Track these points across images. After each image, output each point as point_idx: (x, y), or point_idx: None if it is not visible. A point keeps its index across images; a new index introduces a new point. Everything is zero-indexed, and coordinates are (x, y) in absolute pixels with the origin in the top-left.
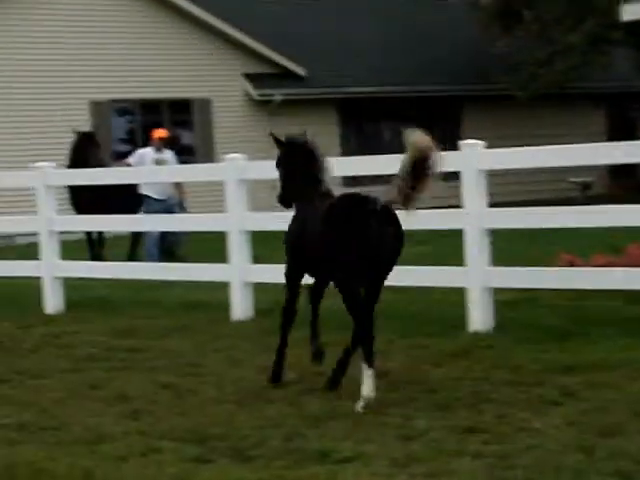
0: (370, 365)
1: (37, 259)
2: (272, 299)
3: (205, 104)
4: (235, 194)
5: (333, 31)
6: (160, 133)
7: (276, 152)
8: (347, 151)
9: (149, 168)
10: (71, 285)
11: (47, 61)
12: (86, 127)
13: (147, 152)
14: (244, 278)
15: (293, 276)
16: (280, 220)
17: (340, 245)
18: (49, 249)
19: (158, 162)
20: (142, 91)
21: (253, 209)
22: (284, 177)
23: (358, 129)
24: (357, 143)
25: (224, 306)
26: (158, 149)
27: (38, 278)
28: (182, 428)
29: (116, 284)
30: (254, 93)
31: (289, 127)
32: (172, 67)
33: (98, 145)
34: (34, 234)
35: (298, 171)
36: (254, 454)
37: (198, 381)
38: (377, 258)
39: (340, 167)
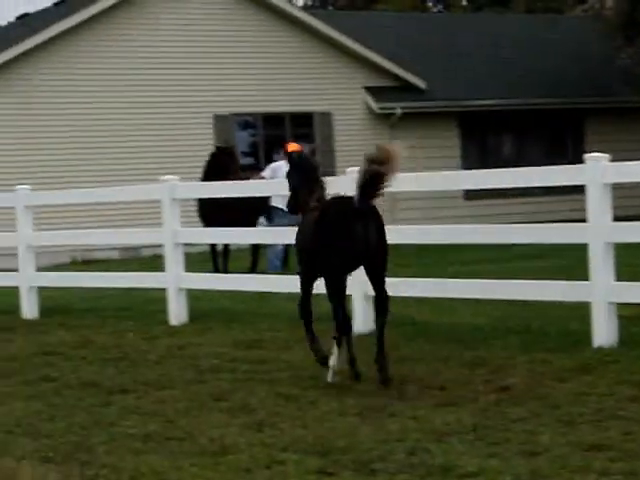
0: (338, 345)
1: (162, 271)
2: (396, 312)
3: (326, 117)
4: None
5: (452, 44)
6: (293, 147)
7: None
8: (468, 164)
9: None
10: (194, 296)
11: (171, 75)
12: (210, 140)
13: (280, 165)
14: (365, 290)
15: (304, 279)
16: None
17: (329, 240)
18: (174, 261)
19: None
20: (264, 105)
21: None
22: (290, 189)
23: (479, 142)
24: (478, 156)
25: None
26: None
27: (163, 290)
28: (305, 440)
29: (238, 296)
30: (375, 106)
31: (410, 139)
32: (294, 80)
33: (236, 160)
34: (159, 246)
35: (300, 184)
36: (378, 467)
37: (320, 393)
38: (364, 249)
39: (462, 180)
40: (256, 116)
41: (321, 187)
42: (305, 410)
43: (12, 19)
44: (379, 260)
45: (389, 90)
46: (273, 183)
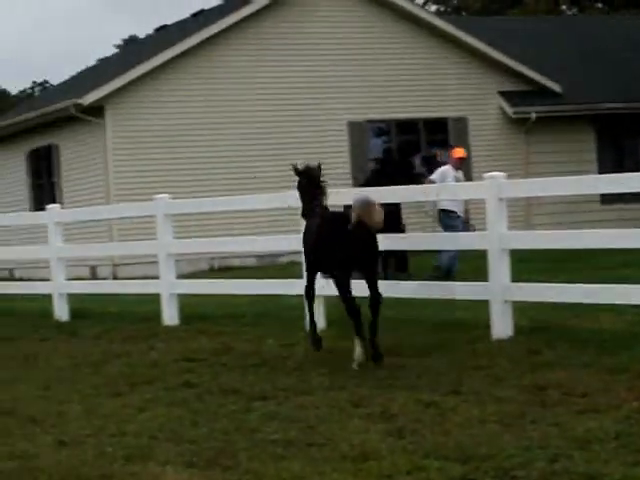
0: (358, 334)
1: (299, 277)
2: (533, 318)
3: (461, 123)
4: (496, 212)
5: (587, 46)
6: (459, 153)
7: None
8: (604, 168)
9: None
10: (331, 303)
11: (306, 82)
12: (344, 147)
13: (448, 170)
14: (504, 296)
15: (308, 270)
16: (540, 237)
17: (328, 247)
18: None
19: (457, 180)
20: (398, 111)
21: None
22: (301, 198)
23: (615, 145)
24: (614, 159)
25: (483, 324)
26: (457, 168)
27: (300, 296)
28: (446, 447)
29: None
30: (510, 111)
31: (545, 144)
32: (428, 86)
33: (412, 165)
34: (296, 253)
35: (306, 193)
36: (519, 475)
37: (460, 400)
38: (355, 255)
39: (599, 184)
40: (390, 122)
41: (323, 195)
42: (446, 417)
43: (150, 31)
44: (369, 266)
45: (524, 94)
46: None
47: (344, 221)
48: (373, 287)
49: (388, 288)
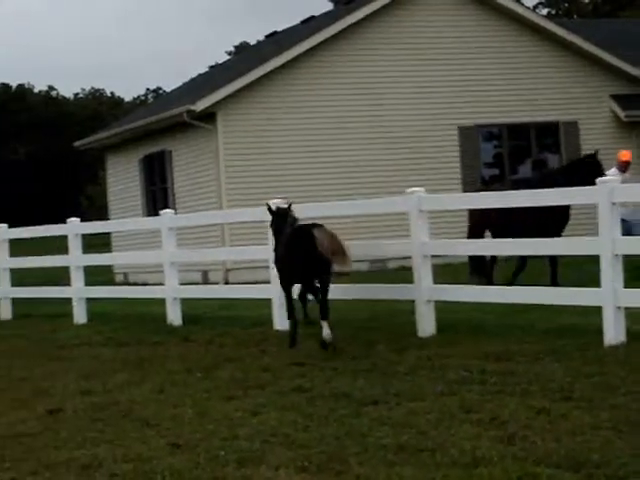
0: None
1: (410, 282)
2: None
3: (572, 127)
4: (607, 217)
5: None
6: (625, 156)
7: None
8: None
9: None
10: (440, 309)
11: (416, 87)
12: (455, 152)
13: (614, 173)
14: (616, 302)
15: (283, 284)
16: None
17: (286, 258)
18: (423, 273)
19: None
20: (509, 115)
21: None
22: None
23: None
24: None
25: (595, 330)
26: (622, 170)
27: (410, 301)
28: (558, 454)
29: (486, 307)
30: (621, 114)
31: None
32: (539, 90)
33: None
34: (406, 258)
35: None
36: None
37: (571, 406)
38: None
39: None
40: (501, 127)
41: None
42: (557, 423)
43: (261, 37)
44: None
45: (636, 98)
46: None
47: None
48: (324, 289)
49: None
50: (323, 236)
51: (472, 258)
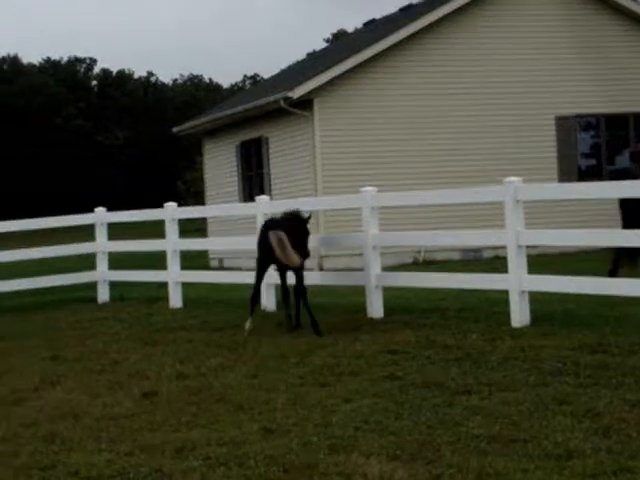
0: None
1: (503, 272)
2: None
3: None
4: None
5: None
6: None
7: None
8: None
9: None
10: (536, 299)
11: (515, 77)
12: (552, 142)
13: None
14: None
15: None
16: None
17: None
18: (517, 263)
19: None
20: (607, 105)
21: None
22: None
23: None
24: None
25: None
26: None
27: (504, 291)
28: None
29: (582, 299)
30: None
31: None
32: (638, 80)
33: None
34: (500, 248)
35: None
36: None
37: None
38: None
39: None
40: (598, 117)
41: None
42: None
43: (359, 25)
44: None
45: None
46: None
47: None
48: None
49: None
50: (274, 236)
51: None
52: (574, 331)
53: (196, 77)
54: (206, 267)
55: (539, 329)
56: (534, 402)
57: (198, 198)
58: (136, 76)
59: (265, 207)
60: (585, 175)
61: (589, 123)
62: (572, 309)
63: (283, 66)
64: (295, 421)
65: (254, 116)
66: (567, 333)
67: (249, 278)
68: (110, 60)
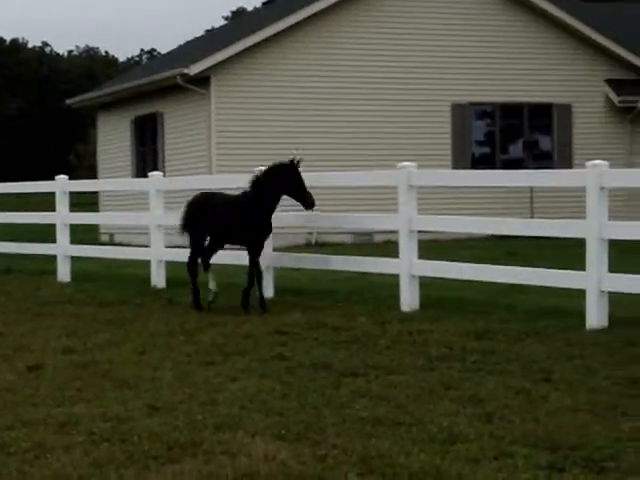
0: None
1: (394, 257)
2: (628, 309)
3: (565, 109)
4: (595, 201)
5: None
6: None
7: None
8: None
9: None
10: (426, 284)
11: (411, 62)
12: (447, 129)
13: None
14: (601, 286)
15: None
16: (637, 228)
17: None
18: (408, 248)
19: None
20: (503, 94)
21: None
22: None
23: None
24: None
25: (578, 313)
26: None
27: (395, 275)
28: (535, 434)
29: (472, 285)
30: (615, 99)
31: None
32: (534, 71)
33: None
34: (393, 232)
35: None
36: (608, 466)
37: (551, 388)
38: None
39: None
40: (494, 106)
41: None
42: (536, 404)
43: (259, 4)
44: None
45: (631, 83)
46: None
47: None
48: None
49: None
50: None
51: None
52: (463, 317)
53: (92, 49)
54: (96, 242)
55: (428, 314)
56: (420, 386)
57: (90, 172)
58: (30, 46)
59: (158, 183)
60: (478, 163)
61: (484, 111)
62: (461, 296)
63: (181, 42)
64: (181, 399)
65: (150, 91)
66: (456, 319)
67: (140, 254)
68: (3, 28)
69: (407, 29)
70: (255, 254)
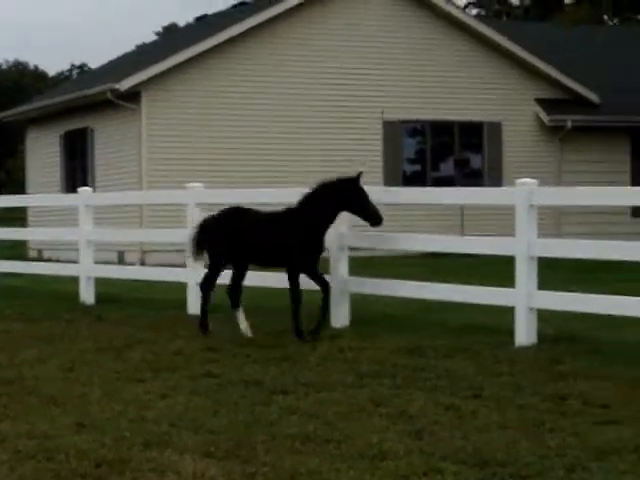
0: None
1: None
2: (557, 326)
3: (495, 128)
4: (525, 219)
5: (628, 58)
6: None
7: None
8: (637, 180)
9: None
10: (357, 300)
11: (342, 80)
12: (378, 146)
13: None
14: (529, 304)
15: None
16: (569, 246)
17: None
18: (340, 264)
19: None
20: (433, 112)
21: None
22: None
23: None
24: None
25: (508, 331)
26: None
27: (313, 291)
28: (464, 450)
29: (402, 302)
30: (545, 118)
31: (579, 153)
32: (465, 89)
33: None
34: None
35: None
36: None
37: (480, 404)
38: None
39: (628, 196)
40: (424, 123)
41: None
42: (465, 420)
43: (191, 20)
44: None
45: (561, 103)
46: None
47: None
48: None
49: None
50: None
51: None
52: (393, 334)
53: (21, 64)
54: (25, 257)
55: (358, 331)
56: (350, 403)
57: (19, 187)
58: None
59: (88, 199)
60: (410, 180)
61: (415, 129)
62: (391, 312)
63: (112, 57)
64: (109, 416)
65: (80, 106)
66: (386, 336)
67: (69, 270)
68: None
69: (336, 47)
70: (295, 274)
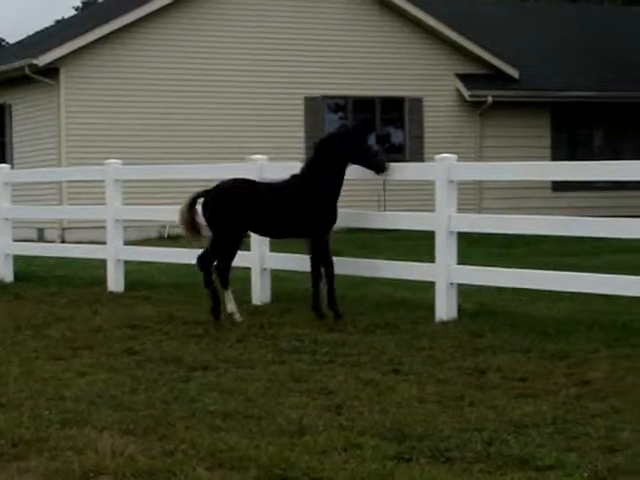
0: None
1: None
2: (477, 301)
3: (417, 103)
4: (444, 194)
5: (546, 34)
6: None
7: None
8: (558, 156)
9: None
10: (277, 277)
11: (263, 55)
12: (300, 122)
13: None
14: (449, 279)
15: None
16: (488, 221)
17: None
18: (260, 241)
19: None
20: (355, 88)
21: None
22: None
23: (570, 134)
24: (568, 148)
25: (428, 306)
26: None
27: (247, 269)
28: (383, 425)
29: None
30: (466, 93)
31: (499, 128)
32: (386, 65)
33: None
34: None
35: None
36: (454, 456)
37: (399, 379)
38: None
39: (550, 172)
40: (347, 99)
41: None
42: (384, 395)
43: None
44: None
45: (481, 78)
46: None
47: None
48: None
49: None
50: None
51: None
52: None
53: None
54: None
55: (279, 307)
56: (270, 379)
57: None
58: None
59: (5, 176)
60: None
61: (337, 105)
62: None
63: (31, 32)
64: (27, 395)
65: None
66: (307, 312)
67: None
68: None
69: (258, 22)
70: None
